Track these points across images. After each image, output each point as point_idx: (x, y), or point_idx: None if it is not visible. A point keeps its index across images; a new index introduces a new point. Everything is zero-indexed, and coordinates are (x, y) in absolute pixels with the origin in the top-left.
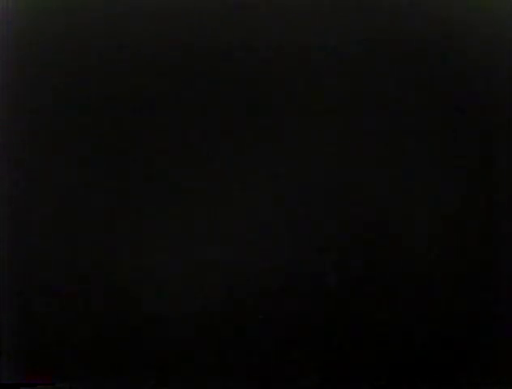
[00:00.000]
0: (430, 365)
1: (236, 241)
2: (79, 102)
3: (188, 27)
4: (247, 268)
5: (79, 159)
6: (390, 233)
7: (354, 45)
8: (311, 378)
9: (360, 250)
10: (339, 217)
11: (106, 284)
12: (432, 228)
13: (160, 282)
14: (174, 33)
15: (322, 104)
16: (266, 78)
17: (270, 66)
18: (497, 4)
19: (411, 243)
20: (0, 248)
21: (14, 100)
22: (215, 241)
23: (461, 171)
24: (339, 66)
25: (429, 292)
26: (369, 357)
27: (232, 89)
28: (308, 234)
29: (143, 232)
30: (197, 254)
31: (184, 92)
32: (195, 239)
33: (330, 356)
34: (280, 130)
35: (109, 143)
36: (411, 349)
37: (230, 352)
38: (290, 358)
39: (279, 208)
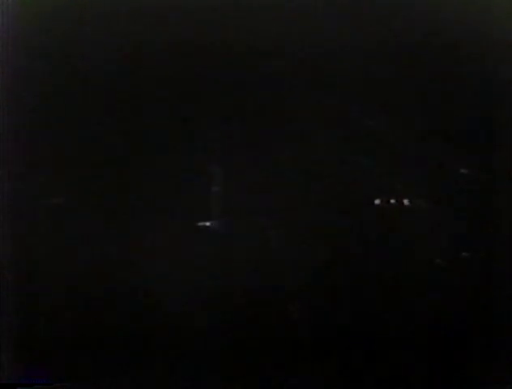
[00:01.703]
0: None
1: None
2: (80, 102)
3: (188, 27)
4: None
5: (82, 159)
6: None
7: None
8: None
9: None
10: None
11: (106, 284)
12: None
13: (151, 282)
14: (173, 33)
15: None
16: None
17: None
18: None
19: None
20: (0, 249)
21: (14, 100)
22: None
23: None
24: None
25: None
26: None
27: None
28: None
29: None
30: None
31: (184, 93)
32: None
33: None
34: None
35: (111, 142)
36: (410, 351)
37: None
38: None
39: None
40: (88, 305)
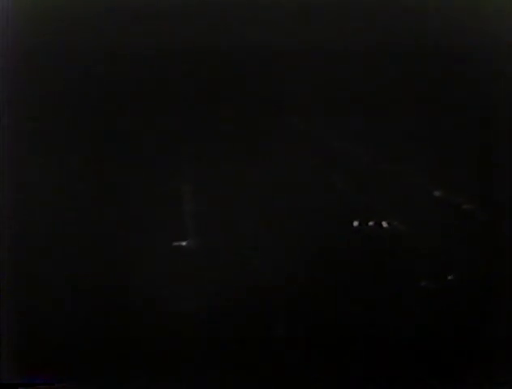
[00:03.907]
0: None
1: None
2: (79, 102)
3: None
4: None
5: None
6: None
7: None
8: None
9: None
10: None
11: (105, 284)
12: None
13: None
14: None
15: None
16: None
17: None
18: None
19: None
20: (0, 249)
21: (14, 101)
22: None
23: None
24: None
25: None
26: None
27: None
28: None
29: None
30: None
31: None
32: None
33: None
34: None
35: (112, 142)
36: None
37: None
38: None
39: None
40: (89, 305)
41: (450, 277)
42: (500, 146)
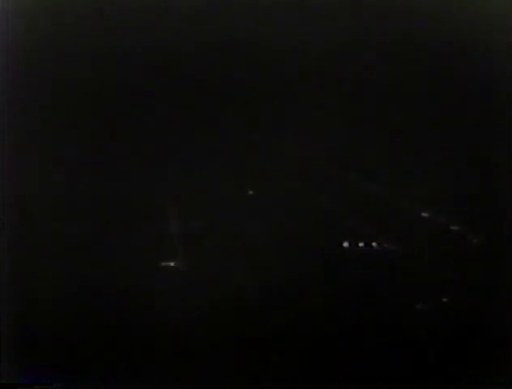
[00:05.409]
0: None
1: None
2: (79, 101)
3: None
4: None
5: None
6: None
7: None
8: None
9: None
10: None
11: (105, 284)
12: None
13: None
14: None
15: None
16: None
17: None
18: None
19: None
20: (0, 249)
21: (14, 100)
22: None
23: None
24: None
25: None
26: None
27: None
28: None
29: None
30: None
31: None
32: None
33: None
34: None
35: (111, 141)
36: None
37: None
38: None
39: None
40: (89, 306)
41: (444, 299)
42: (499, 157)
